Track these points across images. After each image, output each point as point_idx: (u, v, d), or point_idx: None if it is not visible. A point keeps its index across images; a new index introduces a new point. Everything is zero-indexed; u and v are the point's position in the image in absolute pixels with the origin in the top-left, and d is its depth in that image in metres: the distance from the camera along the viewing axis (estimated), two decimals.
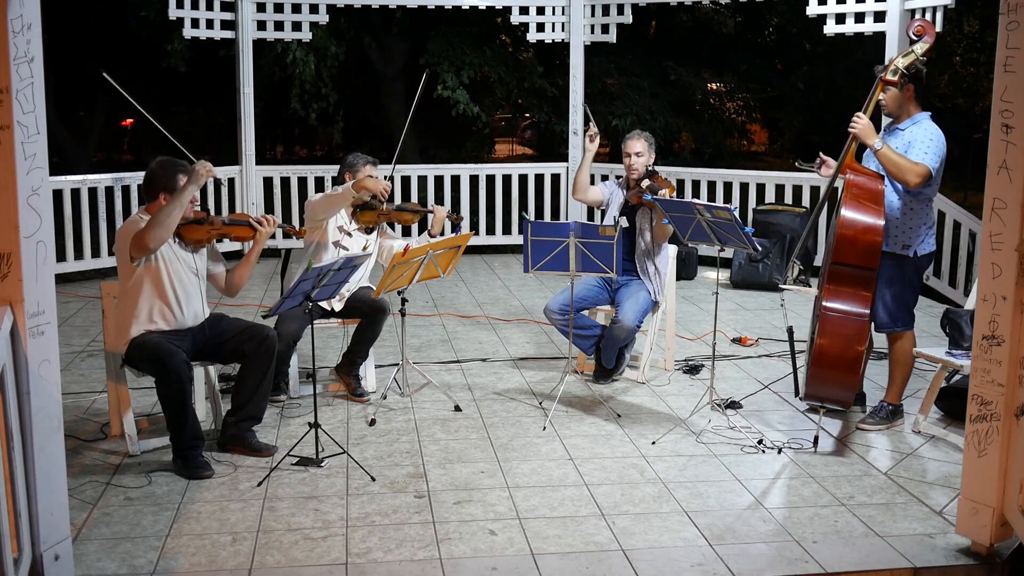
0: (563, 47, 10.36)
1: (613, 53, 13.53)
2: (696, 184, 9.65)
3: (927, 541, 3.74)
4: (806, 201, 9.05)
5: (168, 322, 4.50)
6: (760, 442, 4.74)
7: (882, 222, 4.53)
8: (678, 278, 6.66)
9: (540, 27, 10.07)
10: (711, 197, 9.59)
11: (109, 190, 8.84)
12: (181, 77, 13.83)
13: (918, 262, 4.83)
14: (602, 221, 5.83)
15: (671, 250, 5.83)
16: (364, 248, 5.44)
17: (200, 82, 15.97)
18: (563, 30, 10.08)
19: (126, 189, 8.89)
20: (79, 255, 8.71)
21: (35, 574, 3.14)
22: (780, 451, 4.65)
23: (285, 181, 10.20)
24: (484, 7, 10.51)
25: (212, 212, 9.44)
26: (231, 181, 9.82)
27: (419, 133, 16.07)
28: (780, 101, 18.18)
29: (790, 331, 5.14)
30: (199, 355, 4.62)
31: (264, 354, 4.56)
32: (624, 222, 5.13)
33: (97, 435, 4.83)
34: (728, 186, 9.67)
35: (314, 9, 9.78)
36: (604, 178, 10.11)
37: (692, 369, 5.98)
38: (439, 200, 10.98)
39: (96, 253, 8.83)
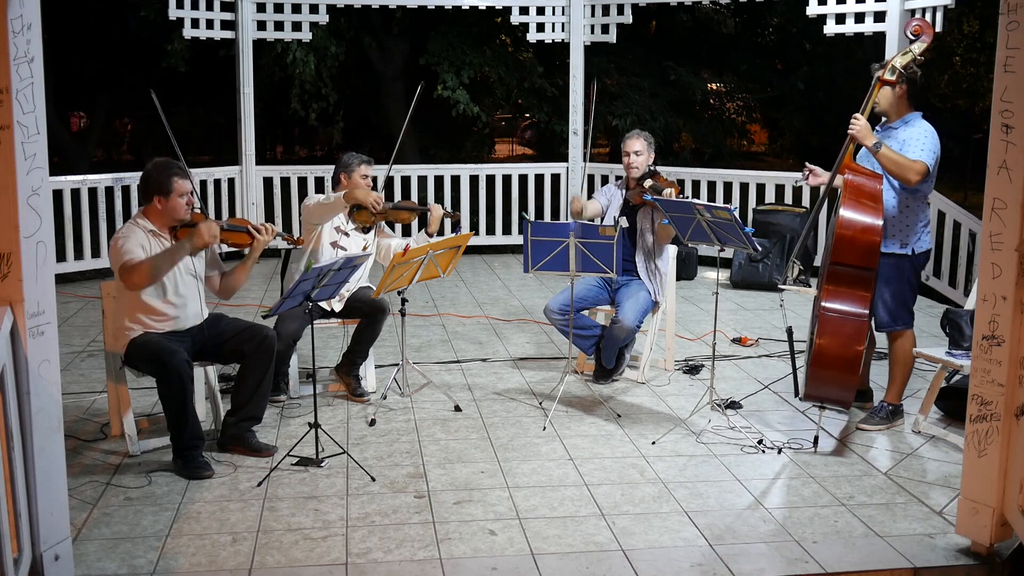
0: (563, 47, 10.36)
1: (613, 53, 13.52)
2: (696, 184, 9.64)
3: (927, 541, 3.74)
4: (806, 201, 9.05)
5: (167, 324, 4.50)
6: (760, 442, 4.74)
7: (880, 222, 4.53)
8: (678, 278, 6.66)
9: (540, 27, 10.07)
10: (711, 197, 9.59)
11: (109, 190, 8.84)
12: (181, 77, 13.82)
13: (916, 260, 4.84)
14: (602, 221, 5.83)
15: (671, 250, 5.83)
16: (363, 248, 5.44)
17: (200, 82, 15.97)
18: (563, 30, 10.08)
19: (126, 189, 8.90)
20: (79, 255, 8.72)
21: (35, 574, 3.14)
22: (780, 451, 4.65)
23: (285, 181, 10.20)
24: (484, 7, 10.52)
25: (212, 214, 9.53)
26: (231, 181, 9.82)
27: (419, 133, 16.07)
28: (780, 101, 18.18)
29: (789, 331, 5.14)
30: (199, 355, 4.62)
31: (263, 354, 4.56)
32: (624, 222, 5.13)
33: (97, 435, 4.83)
34: (728, 186, 9.67)
35: (314, 9, 9.78)
36: (604, 179, 10.15)
37: (692, 369, 5.99)
38: (439, 200, 10.99)
39: (96, 253, 8.82)
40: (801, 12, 8.97)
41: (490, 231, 10.35)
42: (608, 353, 5.58)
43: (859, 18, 8.42)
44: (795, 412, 5.23)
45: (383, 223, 5.64)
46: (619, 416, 5.14)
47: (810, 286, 5.74)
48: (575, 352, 5.80)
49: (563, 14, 10.02)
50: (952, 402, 4.96)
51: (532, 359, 6.31)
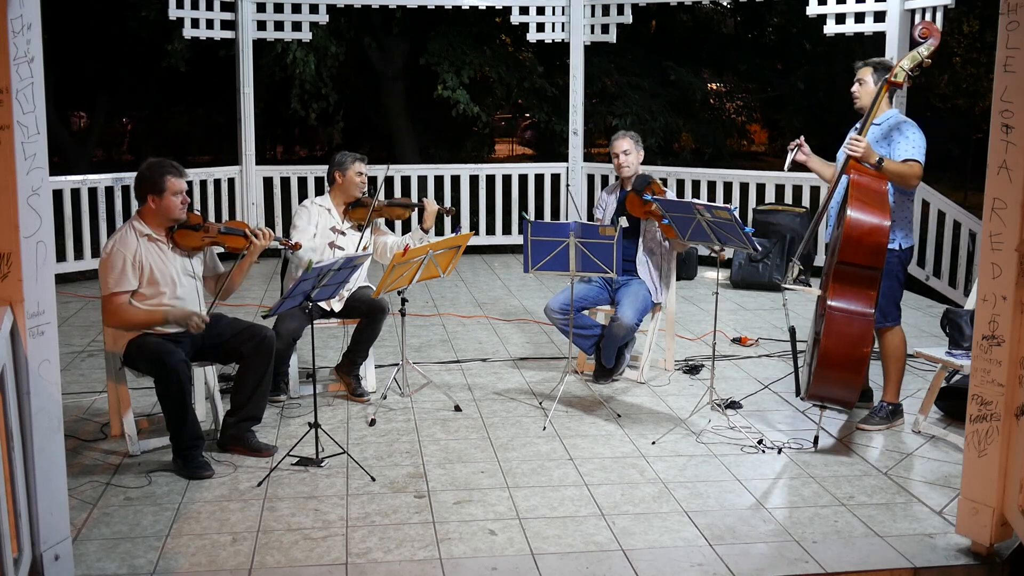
0: (563, 47, 10.36)
1: (613, 53, 13.53)
2: (696, 184, 9.64)
3: (927, 541, 3.74)
4: (806, 201, 9.05)
5: (166, 326, 4.50)
6: (760, 442, 4.74)
7: (888, 222, 4.51)
8: (678, 278, 6.66)
9: (540, 27, 10.06)
10: (711, 197, 9.58)
11: (109, 190, 8.83)
12: (181, 77, 13.83)
13: (902, 255, 4.87)
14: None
15: (673, 253, 5.83)
16: (364, 248, 5.44)
17: (200, 82, 15.98)
18: (563, 30, 10.07)
19: (126, 189, 8.88)
20: (79, 255, 8.71)
21: (35, 574, 3.14)
22: (780, 451, 4.65)
23: (285, 181, 10.19)
24: (484, 7, 10.52)
25: (212, 215, 9.54)
26: (231, 181, 9.82)
27: (419, 133, 16.08)
28: (780, 101, 18.19)
29: (792, 331, 5.13)
30: (198, 356, 4.62)
31: (262, 354, 4.56)
32: (624, 222, 5.13)
33: (97, 435, 4.83)
34: (728, 186, 9.67)
35: (314, 9, 9.78)
36: (604, 179, 10.15)
37: (692, 369, 5.98)
38: (439, 200, 10.97)
39: (96, 253, 8.78)
40: (801, 12, 8.97)
41: (490, 231, 10.35)
42: (608, 352, 5.58)
43: (859, 18, 8.42)
44: (795, 412, 5.23)
45: (379, 220, 5.63)
46: (619, 416, 5.14)
47: (810, 286, 5.74)
48: (575, 352, 5.80)
49: (563, 14, 10.02)
50: (952, 402, 4.96)
51: (532, 359, 6.31)
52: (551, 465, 4.49)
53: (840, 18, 8.53)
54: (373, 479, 4.29)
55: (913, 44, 4.83)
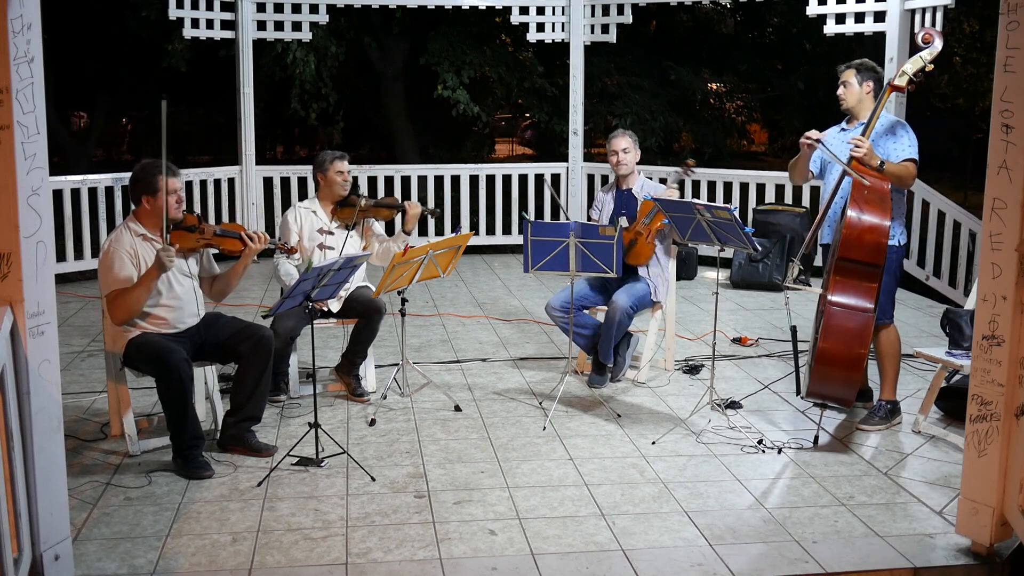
0: (563, 47, 10.36)
1: (613, 53, 13.52)
2: (696, 184, 9.64)
3: (927, 541, 3.74)
4: (806, 201, 9.04)
5: (165, 326, 4.50)
6: (760, 442, 4.74)
7: (888, 222, 4.52)
8: (678, 278, 6.66)
9: (540, 27, 10.07)
10: (711, 197, 9.59)
11: (109, 190, 8.84)
12: (181, 77, 13.81)
13: (900, 252, 4.89)
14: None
15: (671, 250, 5.83)
16: (364, 248, 5.44)
17: (200, 82, 15.96)
18: (563, 30, 10.08)
19: (126, 189, 8.85)
20: (79, 255, 8.71)
21: (35, 574, 3.14)
22: (780, 451, 4.65)
23: (285, 181, 10.19)
24: (484, 7, 10.52)
25: (212, 215, 9.53)
26: (231, 181, 9.82)
27: (419, 133, 16.07)
28: (780, 101, 18.18)
29: (793, 330, 5.13)
30: (197, 355, 4.62)
31: (261, 354, 4.56)
32: (624, 222, 5.13)
33: (97, 435, 4.83)
34: (728, 186, 9.67)
35: (314, 9, 9.78)
36: (604, 179, 10.14)
37: (692, 369, 5.98)
38: (439, 200, 10.99)
39: (96, 253, 8.74)
40: (801, 12, 8.97)
41: (490, 231, 10.35)
42: (604, 344, 5.52)
43: (859, 18, 8.42)
44: (795, 412, 5.23)
45: (371, 221, 5.62)
46: (619, 416, 5.14)
47: (810, 286, 5.74)
48: (575, 352, 5.80)
49: (563, 14, 10.02)
50: (952, 402, 4.96)
51: (532, 359, 6.31)
52: (551, 465, 4.49)
53: (840, 18, 8.53)
54: (373, 479, 4.29)
55: (914, 47, 4.86)
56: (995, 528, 3.50)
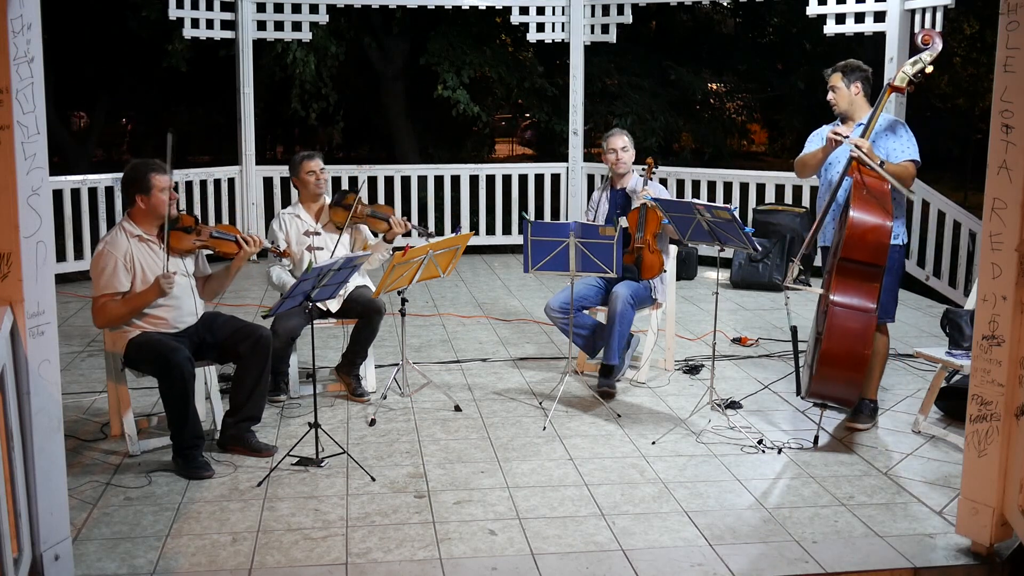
0: (563, 47, 10.36)
1: (613, 53, 13.52)
2: (696, 184, 9.64)
3: (927, 541, 3.74)
4: (806, 201, 9.05)
5: (164, 326, 4.50)
6: (760, 442, 4.74)
7: (890, 222, 4.52)
8: (678, 278, 6.66)
9: (540, 27, 10.07)
10: (711, 197, 9.58)
11: (109, 190, 8.84)
12: (181, 77, 13.81)
13: (900, 251, 4.90)
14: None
15: (671, 250, 5.83)
16: (364, 248, 5.44)
17: (200, 82, 15.96)
18: (563, 30, 10.08)
19: None
20: (79, 255, 8.71)
21: (35, 574, 3.14)
22: (780, 451, 4.65)
23: (285, 181, 10.16)
24: (484, 7, 10.52)
25: (212, 215, 9.53)
26: (231, 181, 9.82)
27: (419, 133, 16.07)
28: (780, 101, 18.17)
29: (794, 330, 5.13)
30: (195, 355, 4.61)
31: (259, 353, 4.56)
32: (624, 222, 5.13)
33: (97, 435, 4.83)
34: (728, 186, 9.67)
35: (314, 9, 9.78)
36: (604, 178, 10.12)
37: (692, 369, 5.98)
38: (439, 200, 10.99)
39: None
40: (801, 12, 8.97)
41: (490, 231, 10.35)
42: (609, 342, 5.45)
43: (859, 18, 8.42)
44: (795, 412, 5.23)
45: (363, 227, 5.61)
46: (619, 416, 5.14)
47: (811, 286, 5.74)
48: (575, 352, 5.80)
49: (563, 14, 10.02)
50: (952, 402, 4.96)
51: (532, 359, 6.31)
52: (551, 465, 4.49)
53: (840, 18, 8.53)
54: (373, 479, 4.29)
55: (913, 47, 4.85)
56: (995, 528, 3.50)
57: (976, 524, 3.55)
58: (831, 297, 4.56)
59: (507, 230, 10.35)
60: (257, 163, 9.99)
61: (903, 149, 4.76)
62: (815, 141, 5.06)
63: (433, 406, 5.32)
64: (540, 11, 10.02)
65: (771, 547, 3.69)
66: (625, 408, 5.29)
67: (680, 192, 9.62)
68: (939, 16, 7.76)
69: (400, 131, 15.55)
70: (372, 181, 10.03)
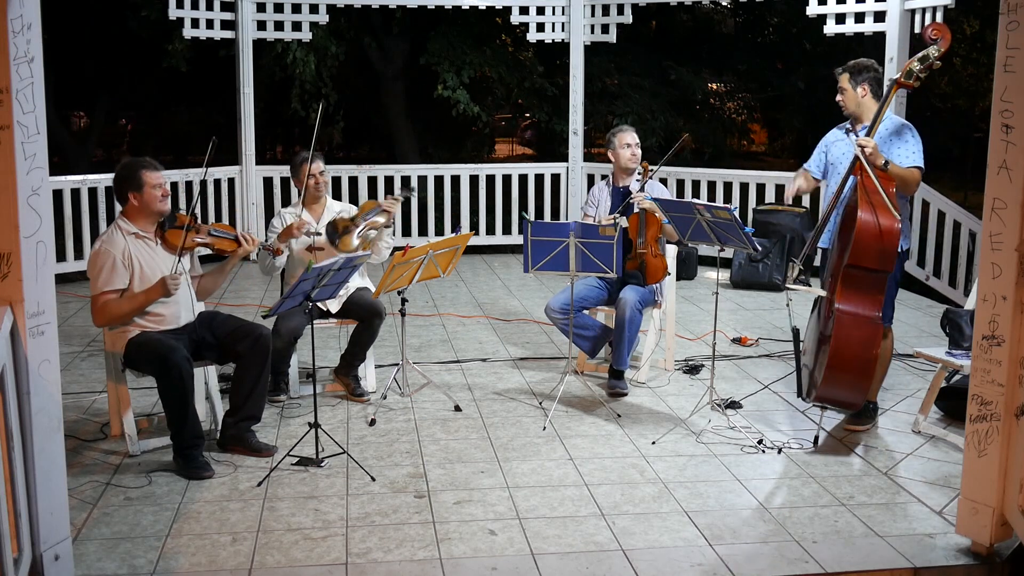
0: (563, 47, 10.36)
1: (613, 53, 13.52)
2: (696, 184, 9.64)
3: (927, 541, 3.74)
4: (806, 201, 9.04)
5: (163, 323, 4.50)
6: (760, 442, 4.74)
7: (899, 224, 4.49)
8: (678, 278, 6.66)
9: (540, 27, 10.07)
10: (711, 197, 9.58)
11: (109, 190, 8.79)
12: (181, 77, 13.81)
13: (904, 257, 4.87)
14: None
15: (671, 250, 5.83)
16: (364, 248, 5.43)
17: (200, 82, 15.96)
18: (563, 30, 10.08)
19: None
20: (79, 255, 8.71)
21: (35, 574, 3.14)
22: (780, 451, 4.65)
23: (285, 181, 10.17)
24: (484, 7, 10.52)
25: (212, 214, 9.53)
26: (231, 181, 9.82)
27: (419, 133, 16.07)
28: (780, 101, 18.18)
29: (795, 331, 5.13)
30: (195, 355, 4.61)
31: (258, 353, 4.56)
32: (624, 222, 5.13)
33: (97, 435, 4.83)
34: (728, 186, 9.67)
35: (314, 9, 9.78)
36: (603, 178, 10.12)
37: (692, 369, 5.98)
38: (439, 200, 10.99)
39: None
40: (801, 12, 8.97)
41: (490, 231, 10.35)
42: (619, 349, 5.45)
43: (859, 18, 8.42)
44: (795, 412, 5.23)
45: (355, 231, 5.58)
46: (619, 416, 5.14)
47: (811, 286, 5.74)
48: (575, 352, 5.80)
49: (563, 14, 10.03)
50: (952, 402, 4.96)
51: (532, 359, 6.31)
52: (551, 465, 4.49)
53: (840, 18, 8.53)
54: (373, 479, 4.29)
55: (915, 45, 4.83)
56: (995, 528, 3.50)
57: (976, 524, 3.55)
58: (837, 305, 4.53)
59: (507, 230, 10.35)
60: (257, 163, 9.99)
61: (908, 155, 4.70)
62: (822, 149, 5.04)
63: (433, 406, 5.32)
64: (540, 11, 10.02)
65: (771, 547, 3.69)
66: (625, 408, 5.29)
67: (680, 192, 9.62)
68: (939, 16, 7.75)
69: (400, 131, 15.55)
70: (372, 181, 10.04)
